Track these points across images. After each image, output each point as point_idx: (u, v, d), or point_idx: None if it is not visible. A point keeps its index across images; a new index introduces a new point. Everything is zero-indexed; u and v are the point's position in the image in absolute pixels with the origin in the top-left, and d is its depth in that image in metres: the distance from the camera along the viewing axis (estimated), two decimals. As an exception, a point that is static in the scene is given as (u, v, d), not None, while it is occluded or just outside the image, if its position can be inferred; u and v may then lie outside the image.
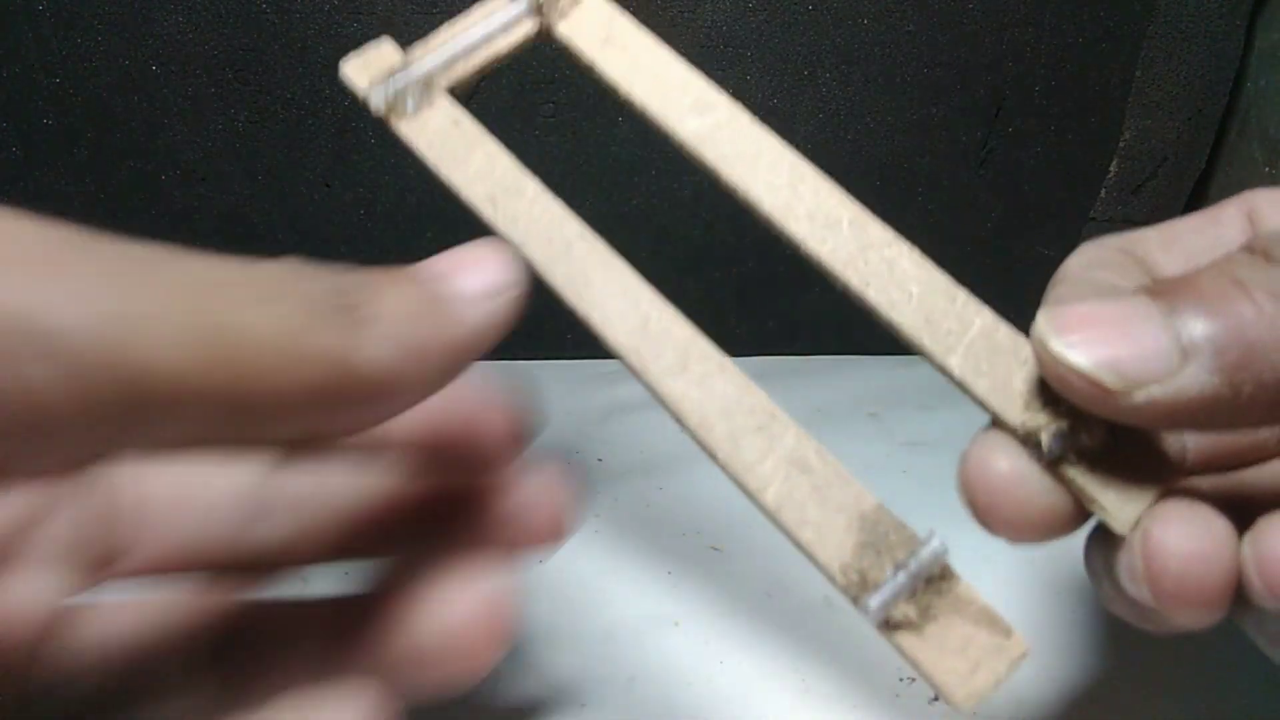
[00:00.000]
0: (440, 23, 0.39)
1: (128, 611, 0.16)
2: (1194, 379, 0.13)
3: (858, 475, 0.29)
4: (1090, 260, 0.20)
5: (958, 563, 0.31)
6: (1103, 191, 0.45)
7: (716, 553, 0.30)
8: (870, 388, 0.44)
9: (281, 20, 0.39)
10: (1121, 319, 0.14)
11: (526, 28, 0.19)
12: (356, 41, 0.39)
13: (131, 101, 0.39)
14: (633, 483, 0.34)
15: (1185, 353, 0.13)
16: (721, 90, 0.18)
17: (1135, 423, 0.14)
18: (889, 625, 0.14)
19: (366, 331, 0.12)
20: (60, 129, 0.40)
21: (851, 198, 0.16)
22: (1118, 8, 0.41)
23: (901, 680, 0.24)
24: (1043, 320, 0.15)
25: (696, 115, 0.17)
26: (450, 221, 0.47)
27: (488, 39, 0.18)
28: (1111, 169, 0.45)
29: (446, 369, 0.14)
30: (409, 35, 0.39)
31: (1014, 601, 0.28)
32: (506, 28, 0.19)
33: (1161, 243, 0.20)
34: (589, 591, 0.28)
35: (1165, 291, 0.14)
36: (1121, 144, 0.44)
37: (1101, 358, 0.14)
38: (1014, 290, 0.48)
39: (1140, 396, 0.13)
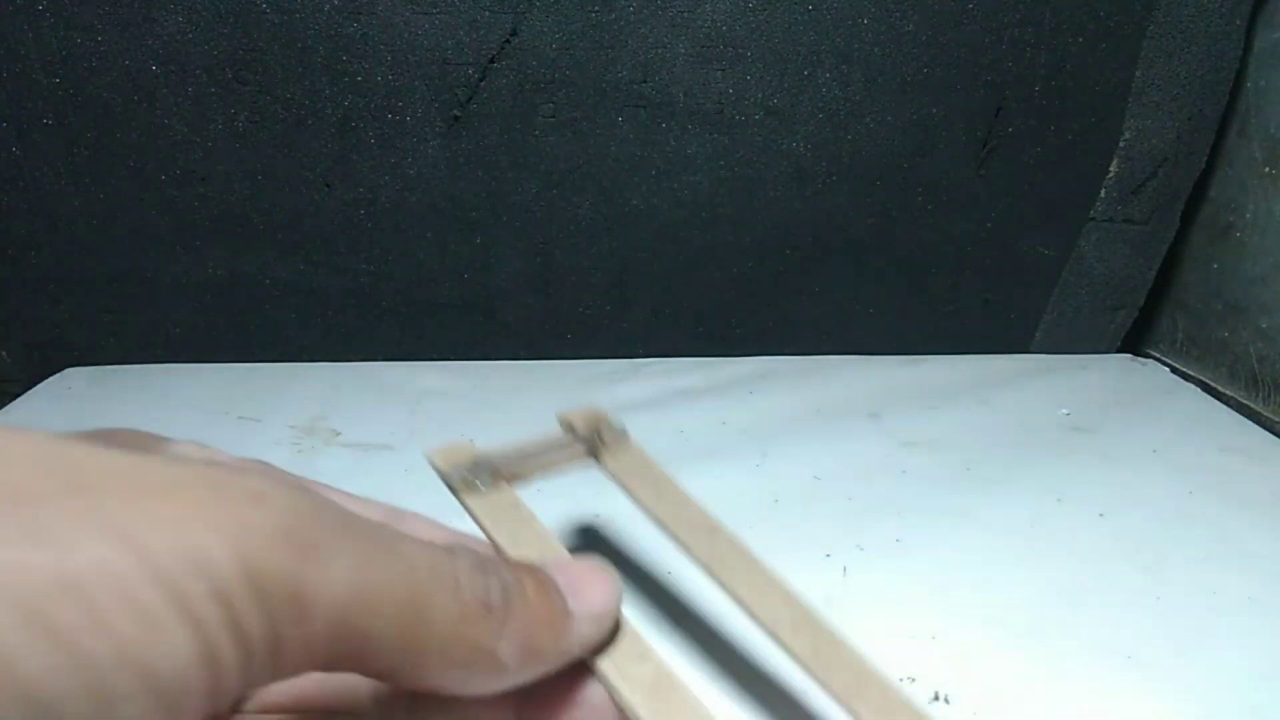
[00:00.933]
0: (440, 24, 0.40)
1: None
2: None
3: (858, 475, 0.29)
4: None
5: (958, 561, 0.31)
6: (1103, 191, 0.45)
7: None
8: (870, 388, 0.44)
9: (281, 21, 0.39)
10: None
11: (580, 454, 0.25)
12: (356, 41, 0.40)
13: (131, 101, 0.39)
14: (633, 483, 0.34)
15: None
16: (720, 526, 0.23)
17: None
18: None
19: (506, 632, 0.16)
20: (60, 129, 0.40)
21: (801, 601, 0.21)
22: (1118, 8, 0.41)
23: (902, 680, 0.24)
24: None
25: (704, 535, 0.23)
26: (450, 221, 0.47)
27: (549, 455, 0.24)
28: (1111, 169, 0.45)
29: (552, 667, 0.17)
30: (409, 35, 0.39)
31: (1014, 599, 0.28)
32: (566, 453, 0.25)
33: None
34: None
35: None
36: (1121, 144, 0.44)
37: None
38: (1014, 290, 0.48)
39: None
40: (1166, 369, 0.47)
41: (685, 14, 0.40)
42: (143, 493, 0.12)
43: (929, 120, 0.43)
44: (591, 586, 0.18)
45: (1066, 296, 0.48)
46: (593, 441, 0.25)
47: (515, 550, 0.21)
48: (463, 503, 0.23)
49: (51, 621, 0.11)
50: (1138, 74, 0.43)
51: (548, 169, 0.42)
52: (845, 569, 0.29)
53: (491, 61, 0.40)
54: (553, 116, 0.42)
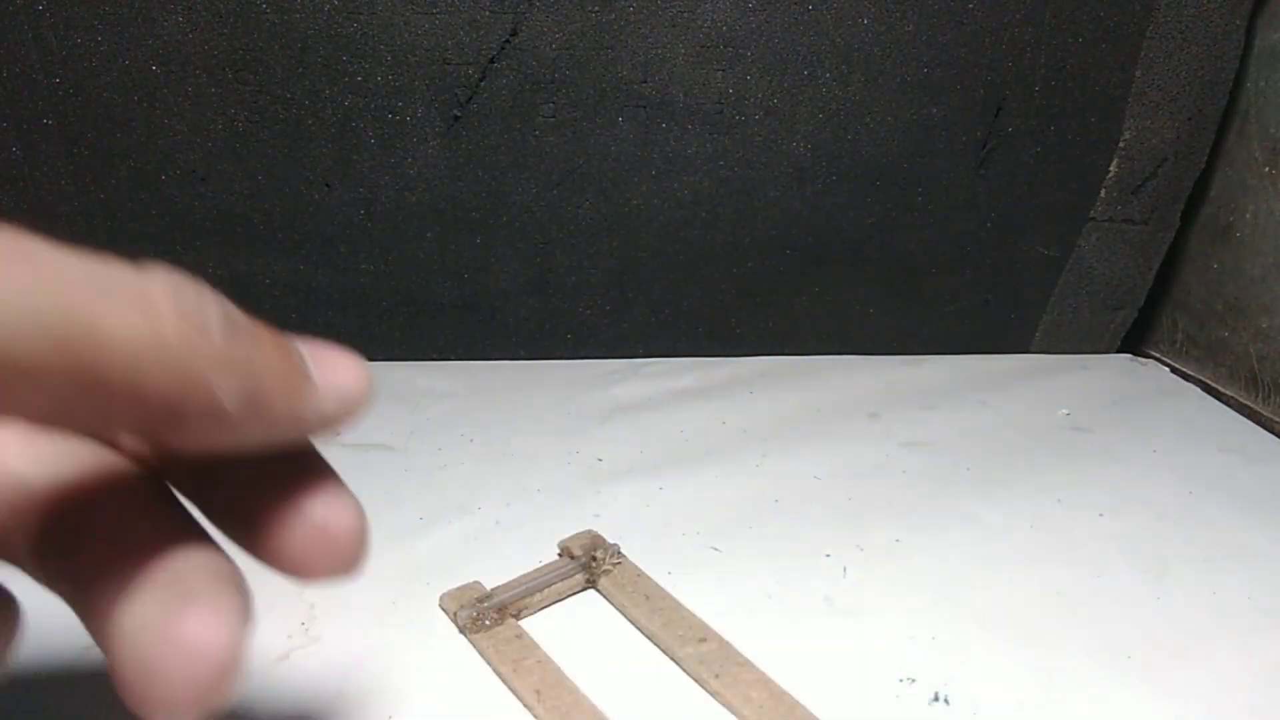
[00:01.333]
0: (440, 24, 0.40)
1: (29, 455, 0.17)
2: None
3: (857, 475, 0.29)
4: None
5: (958, 561, 0.31)
6: (1103, 191, 0.45)
7: (716, 553, 0.30)
8: (870, 388, 0.44)
9: (281, 21, 0.39)
10: None
11: (579, 580, 0.28)
12: (357, 41, 0.40)
13: (131, 101, 0.39)
14: (633, 483, 0.34)
15: None
16: (711, 629, 0.25)
17: None
18: None
19: (226, 364, 0.13)
20: (60, 129, 0.40)
21: (790, 698, 0.23)
22: (1118, 8, 0.41)
23: (901, 680, 0.24)
24: None
25: (693, 644, 0.25)
26: (450, 221, 0.47)
27: (549, 586, 0.27)
28: (1111, 169, 0.45)
29: (283, 431, 0.15)
30: (409, 36, 0.40)
31: (1014, 599, 0.28)
32: (565, 581, 0.27)
33: None
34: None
35: None
36: (1121, 144, 0.44)
37: None
38: (1014, 290, 0.48)
39: None
40: (1166, 369, 0.47)
41: (685, 14, 0.40)
42: None
43: (929, 120, 0.43)
44: (340, 364, 0.15)
45: (1066, 296, 0.48)
46: (588, 565, 0.28)
47: (518, 682, 0.24)
48: (470, 640, 0.25)
49: None
50: (1138, 74, 0.43)
51: (548, 169, 0.42)
52: (845, 569, 0.29)
53: (492, 61, 0.40)
54: (553, 116, 0.42)
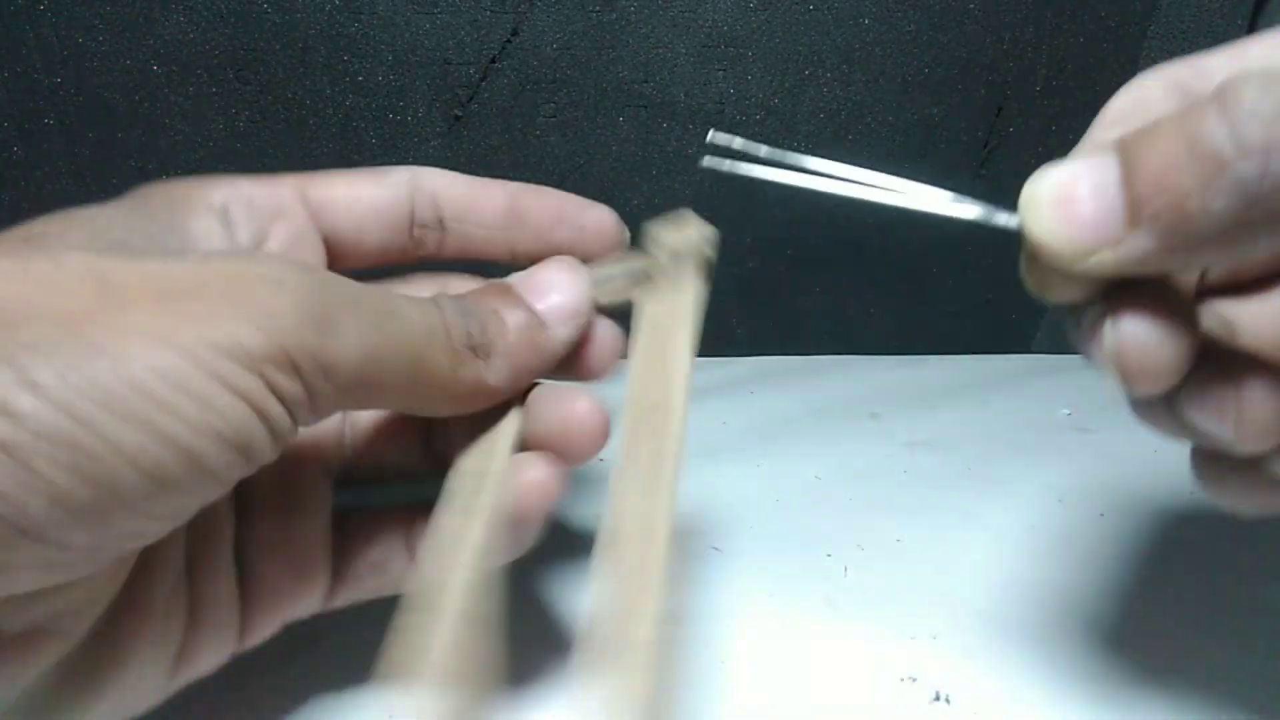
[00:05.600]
0: (441, 23, 0.40)
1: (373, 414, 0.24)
2: (1136, 245, 0.15)
3: (858, 475, 0.29)
4: (1131, 102, 0.20)
5: (959, 561, 0.31)
6: (1103, 191, 0.45)
7: (717, 552, 0.30)
8: (870, 388, 0.44)
9: (282, 20, 0.39)
10: (1077, 195, 0.15)
11: (627, 292, 0.23)
12: (358, 41, 0.40)
13: (132, 101, 0.39)
14: (633, 482, 0.34)
15: (1131, 221, 0.15)
16: (682, 398, 0.20)
17: (1092, 277, 0.16)
18: None
19: (491, 365, 0.19)
20: (61, 129, 0.40)
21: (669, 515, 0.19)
22: (1118, 8, 0.41)
23: (902, 680, 0.24)
24: (1023, 197, 0.17)
25: (648, 410, 0.20)
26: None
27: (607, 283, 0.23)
28: (1112, 169, 0.45)
29: (543, 372, 0.20)
30: (410, 35, 0.40)
31: (1014, 599, 0.28)
32: (617, 285, 0.23)
33: (1227, 57, 0.19)
34: (590, 591, 0.28)
35: (1128, 150, 0.15)
36: (1122, 144, 0.44)
37: (1056, 230, 0.16)
38: (1015, 290, 0.48)
39: (1092, 260, 0.15)
40: (1167, 369, 0.47)
41: (686, 14, 0.40)
42: (173, 297, 0.15)
43: (930, 120, 0.43)
44: (559, 290, 0.21)
45: (1067, 296, 0.48)
46: (653, 270, 0.23)
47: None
48: None
49: (130, 413, 0.14)
50: (1139, 74, 0.43)
51: (548, 168, 0.42)
52: (846, 569, 0.29)
53: (493, 61, 0.40)
54: (554, 116, 0.42)
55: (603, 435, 0.21)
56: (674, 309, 0.22)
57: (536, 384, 0.21)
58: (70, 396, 0.13)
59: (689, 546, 0.30)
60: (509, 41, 0.40)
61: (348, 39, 0.39)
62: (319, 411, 0.16)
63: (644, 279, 0.23)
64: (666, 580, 0.17)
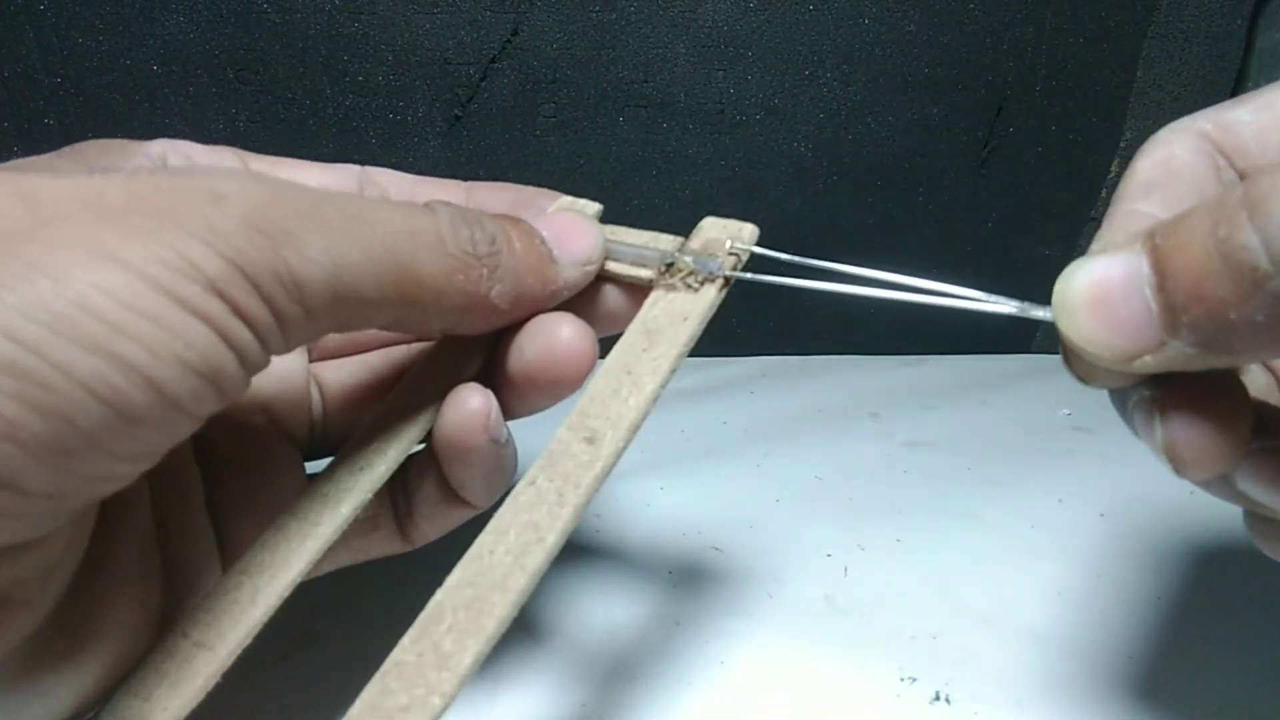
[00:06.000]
0: (441, 23, 0.40)
1: (340, 366, 0.24)
2: (1178, 350, 0.14)
3: (858, 475, 0.29)
4: (1159, 164, 0.19)
5: (959, 561, 0.31)
6: (1103, 191, 0.45)
7: (717, 553, 0.30)
8: (870, 388, 0.44)
9: (282, 20, 0.39)
10: (1112, 299, 0.15)
11: (645, 273, 0.21)
12: (358, 41, 0.40)
13: (133, 101, 0.39)
14: (633, 483, 0.34)
15: (1169, 328, 0.14)
16: (624, 434, 0.18)
17: (1137, 375, 0.16)
18: None
19: (496, 277, 0.18)
20: (61, 129, 0.40)
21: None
22: (1118, 8, 0.41)
23: (902, 680, 0.24)
24: (1059, 289, 0.16)
25: (585, 438, 0.18)
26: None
27: (628, 260, 0.21)
28: (1112, 169, 0.45)
29: (544, 305, 0.19)
30: (410, 35, 0.40)
31: (1014, 599, 0.28)
32: (642, 263, 0.21)
33: (1258, 130, 0.19)
34: (590, 591, 0.28)
35: (1160, 254, 0.14)
36: (1122, 144, 0.44)
37: (1095, 337, 0.15)
38: (1014, 290, 0.48)
39: (1136, 366, 0.15)
40: (1167, 369, 0.47)
41: (686, 14, 0.40)
42: (110, 213, 0.13)
43: (930, 120, 0.43)
44: (574, 235, 0.20)
45: (1067, 296, 0.48)
46: (671, 270, 0.21)
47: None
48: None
49: (81, 336, 0.12)
50: (1139, 74, 0.43)
51: (548, 169, 0.42)
52: (846, 569, 0.29)
53: (493, 61, 0.40)
54: (554, 116, 0.42)
55: (589, 361, 0.19)
56: (679, 311, 0.20)
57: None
58: (11, 319, 0.12)
59: (690, 546, 0.30)
60: (509, 41, 0.40)
61: (348, 39, 0.39)
62: (294, 336, 0.15)
63: (662, 265, 0.21)
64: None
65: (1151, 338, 0.15)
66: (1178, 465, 0.16)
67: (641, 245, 0.21)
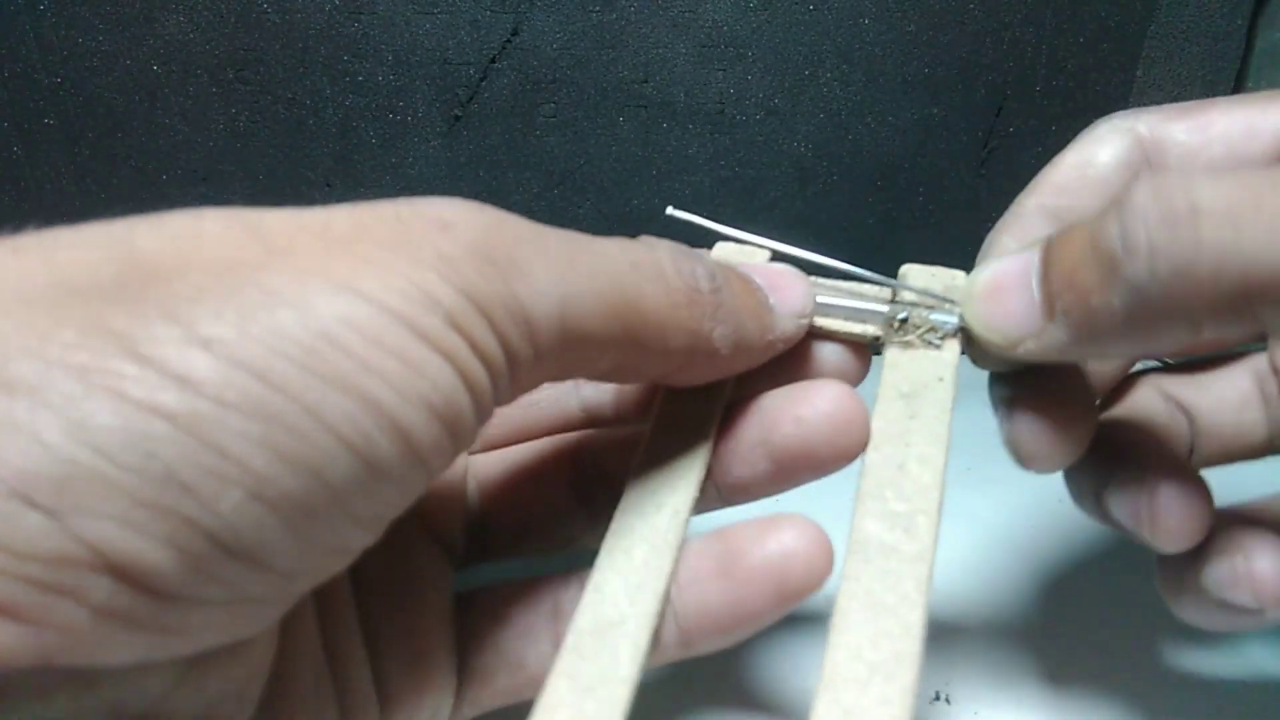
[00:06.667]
0: (441, 23, 0.40)
1: (503, 459, 0.21)
2: (1053, 336, 0.16)
3: (858, 475, 0.28)
4: (1077, 168, 0.21)
5: (959, 561, 0.31)
6: (1103, 191, 0.45)
7: None
8: (871, 388, 0.44)
9: (282, 21, 0.39)
10: (1006, 289, 0.17)
11: (869, 329, 0.20)
12: (358, 41, 0.40)
13: (132, 101, 0.39)
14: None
15: (1047, 314, 0.16)
16: (933, 518, 0.18)
17: (1026, 361, 0.18)
18: None
19: (717, 319, 0.16)
20: (61, 129, 0.40)
21: None
22: (1118, 8, 0.41)
23: (902, 680, 0.24)
24: (964, 288, 0.19)
25: (889, 522, 0.17)
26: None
27: (845, 315, 0.20)
28: (1112, 169, 0.45)
29: (758, 358, 0.18)
30: (410, 35, 0.40)
31: (1014, 599, 0.28)
32: (860, 318, 0.20)
33: (1185, 154, 0.20)
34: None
35: (1049, 249, 0.16)
36: (1122, 144, 0.44)
37: (988, 322, 0.17)
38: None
39: (1020, 349, 0.17)
40: (1167, 369, 0.47)
41: (686, 14, 0.40)
42: (340, 243, 0.12)
43: (930, 120, 0.43)
44: (788, 286, 0.19)
45: (1067, 296, 0.48)
46: (903, 325, 0.19)
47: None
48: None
49: (330, 373, 0.11)
50: (1139, 74, 0.43)
51: (548, 169, 0.42)
52: (845, 569, 0.29)
53: (492, 61, 0.40)
54: (553, 116, 0.42)
55: (863, 429, 0.18)
56: (926, 371, 0.19)
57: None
58: (256, 353, 0.10)
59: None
60: (509, 41, 0.40)
61: (348, 39, 0.39)
62: (522, 380, 0.14)
63: (894, 320, 0.20)
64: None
65: (1033, 325, 0.16)
66: (1019, 457, 0.19)
67: (849, 298, 0.20)
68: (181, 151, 0.41)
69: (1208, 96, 0.43)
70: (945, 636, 0.26)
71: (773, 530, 0.19)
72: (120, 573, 0.09)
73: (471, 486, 0.20)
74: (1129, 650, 0.25)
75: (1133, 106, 0.43)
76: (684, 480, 0.18)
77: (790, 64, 0.41)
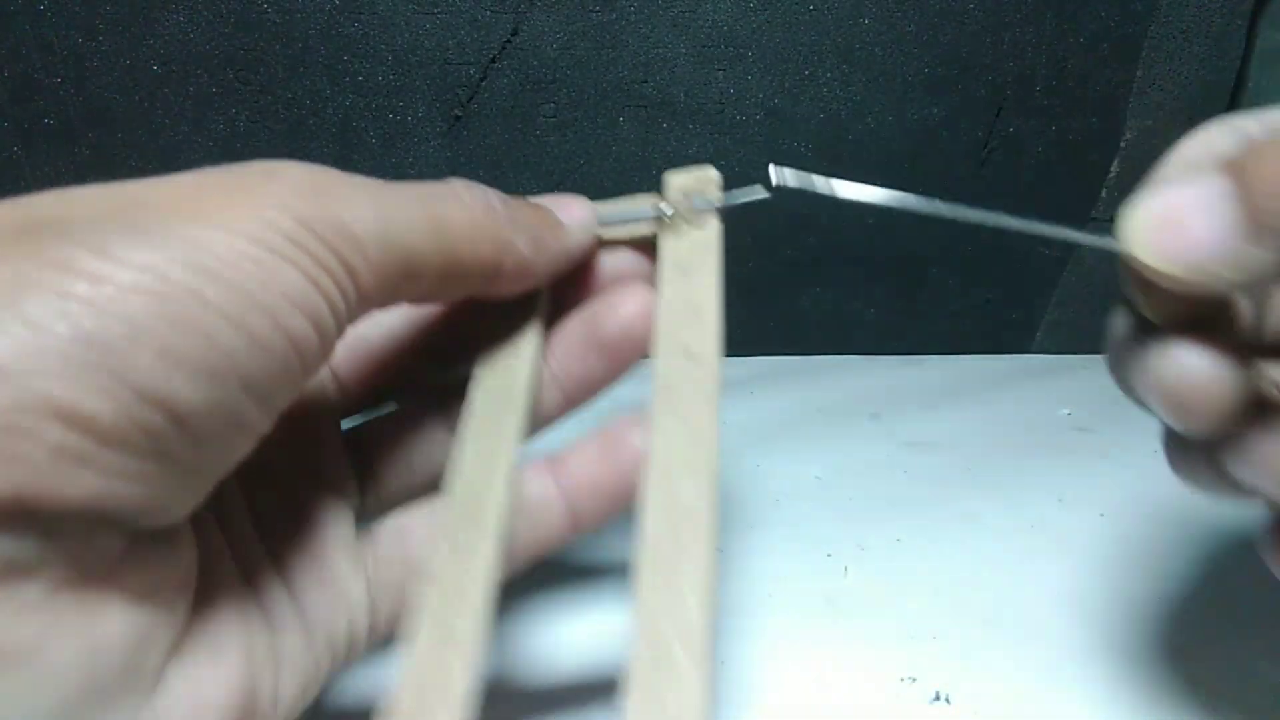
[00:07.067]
0: (441, 23, 0.40)
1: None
2: (1258, 257, 0.15)
3: (858, 475, 0.29)
4: (1198, 150, 0.19)
5: (959, 561, 0.31)
6: (1103, 191, 0.45)
7: (717, 552, 0.30)
8: (870, 388, 0.44)
9: (282, 20, 0.39)
10: (1185, 217, 0.15)
11: (645, 229, 0.23)
12: (358, 41, 0.40)
13: (132, 101, 0.39)
14: (633, 482, 0.34)
15: (1252, 235, 0.15)
16: (715, 346, 0.21)
17: (1208, 296, 0.16)
18: None
19: (516, 227, 0.20)
20: (61, 129, 0.40)
21: (711, 500, 0.18)
22: (1118, 8, 0.41)
23: (902, 680, 0.24)
24: (1124, 220, 0.17)
25: (681, 356, 0.21)
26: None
27: (623, 225, 0.23)
28: (1112, 169, 0.45)
29: (560, 263, 0.21)
30: (410, 35, 0.40)
31: (1014, 599, 0.28)
32: (633, 227, 0.23)
33: None
34: (590, 592, 0.28)
35: (1240, 169, 0.15)
36: (1122, 144, 0.44)
37: (1170, 255, 0.16)
38: (1015, 290, 0.48)
39: (1213, 279, 0.15)
40: (1167, 369, 0.47)
41: (686, 14, 0.40)
42: (186, 196, 0.15)
43: (930, 120, 0.43)
44: (572, 203, 0.22)
45: (1067, 297, 0.48)
46: (674, 214, 0.23)
47: None
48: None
49: (215, 275, 0.14)
50: (1139, 74, 0.43)
51: (549, 169, 0.42)
52: (846, 569, 0.29)
53: (493, 61, 0.40)
54: (554, 116, 0.42)
55: (647, 303, 0.22)
56: (695, 246, 0.23)
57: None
58: (151, 259, 0.13)
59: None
60: (509, 41, 0.40)
61: (348, 39, 0.39)
62: (363, 295, 0.17)
63: (663, 215, 0.23)
64: (713, 551, 0.17)
65: (1229, 250, 0.15)
66: (1176, 408, 0.17)
67: (625, 209, 0.23)
68: (181, 151, 0.41)
69: (1207, 96, 0.44)
70: (945, 636, 0.26)
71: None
72: (65, 417, 0.12)
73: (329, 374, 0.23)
74: (1129, 650, 0.25)
75: (1133, 106, 0.44)
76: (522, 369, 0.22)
77: (790, 64, 0.41)
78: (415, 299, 0.19)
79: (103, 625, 0.14)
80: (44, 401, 0.12)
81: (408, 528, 0.21)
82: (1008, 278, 0.47)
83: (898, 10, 0.40)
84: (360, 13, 0.39)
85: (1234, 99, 0.43)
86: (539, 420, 0.22)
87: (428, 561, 0.18)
